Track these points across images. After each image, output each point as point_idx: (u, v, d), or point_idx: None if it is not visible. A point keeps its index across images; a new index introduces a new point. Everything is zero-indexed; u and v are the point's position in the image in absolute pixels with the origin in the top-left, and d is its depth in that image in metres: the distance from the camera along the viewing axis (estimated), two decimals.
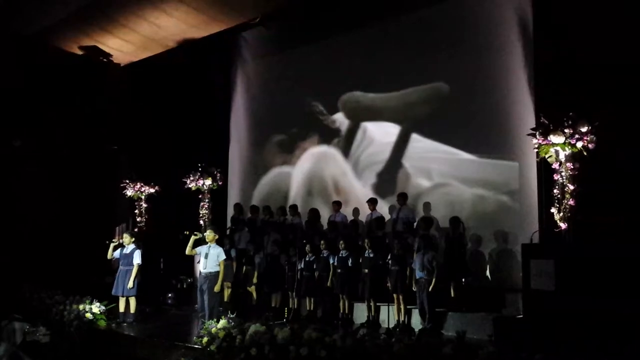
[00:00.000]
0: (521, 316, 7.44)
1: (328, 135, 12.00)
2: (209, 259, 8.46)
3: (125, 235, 9.80)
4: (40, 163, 13.62)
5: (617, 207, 7.33)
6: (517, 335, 6.84)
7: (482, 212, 9.45)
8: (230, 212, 12.94)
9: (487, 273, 9.22)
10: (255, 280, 10.24)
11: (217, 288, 8.41)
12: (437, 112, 10.29)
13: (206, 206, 11.91)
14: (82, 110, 14.44)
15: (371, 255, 8.73)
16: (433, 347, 5.65)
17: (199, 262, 8.96)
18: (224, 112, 14.12)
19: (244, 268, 10.41)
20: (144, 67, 14.95)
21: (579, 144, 6.91)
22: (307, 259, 9.48)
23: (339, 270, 9.03)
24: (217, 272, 8.44)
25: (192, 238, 8.66)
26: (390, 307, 8.46)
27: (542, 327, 6.62)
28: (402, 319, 8.39)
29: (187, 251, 8.71)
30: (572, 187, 6.96)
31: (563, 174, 7.03)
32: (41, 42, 13.82)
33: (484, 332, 7.34)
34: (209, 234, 8.65)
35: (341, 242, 9.17)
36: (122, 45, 14.22)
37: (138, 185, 12.92)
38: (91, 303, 9.40)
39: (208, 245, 8.59)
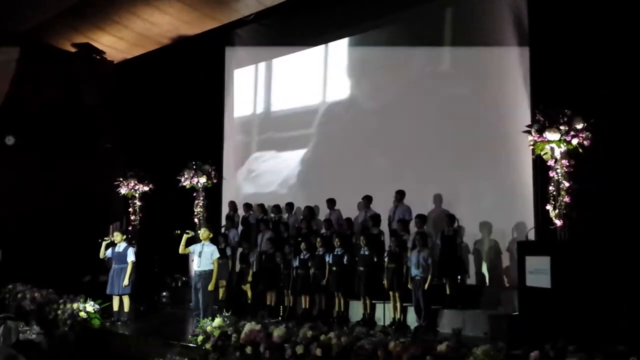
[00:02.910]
0: (517, 313, 7.43)
1: (326, 133, 11.93)
2: (202, 257, 8.43)
3: (116, 233, 9.74)
4: (33, 161, 13.54)
5: (612, 204, 7.33)
6: (513, 332, 6.83)
7: (477, 209, 9.42)
8: (225, 210, 12.89)
9: (483, 270, 9.19)
10: (250, 278, 10.20)
11: (211, 286, 8.38)
12: (432, 110, 10.25)
13: (201, 204, 11.84)
14: (75, 108, 14.36)
15: (366, 252, 8.71)
16: (429, 345, 5.64)
17: (193, 260, 8.92)
18: (217, 110, 14.03)
19: (239, 266, 10.37)
20: (138, 64, 14.89)
21: (575, 141, 6.90)
22: (302, 256, 9.42)
23: (334, 268, 8.98)
24: (211, 271, 8.41)
25: (185, 237, 8.62)
26: (385, 304, 8.46)
27: (538, 324, 6.61)
28: (397, 316, 8.37)
29: (180, 250, 8.68)
30: (567, 184, 6.94)
31: (558, 171, 7.01)
32: (34, 39, 13.73)
33: (479, 330, 7.38)
34: (203, 232, 8.62)
35: (336, 239, 9.11)
36: (115, 42, 14.15)
37: (132, 184, 12.82)
38: (85, 302, 9.35)
39: (202, 243, 8.55)
